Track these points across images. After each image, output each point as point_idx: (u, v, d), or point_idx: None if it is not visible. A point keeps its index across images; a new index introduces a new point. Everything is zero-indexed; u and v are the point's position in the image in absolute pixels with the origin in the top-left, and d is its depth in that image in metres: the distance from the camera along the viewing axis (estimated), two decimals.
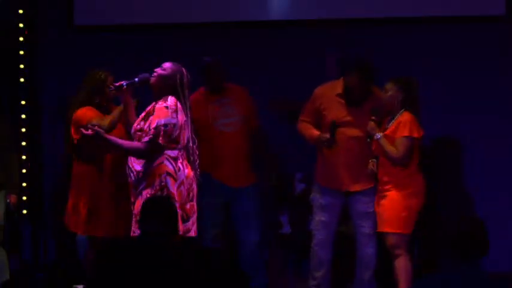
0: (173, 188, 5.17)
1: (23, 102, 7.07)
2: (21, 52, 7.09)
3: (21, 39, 7.10)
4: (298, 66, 6.71)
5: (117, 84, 5.37)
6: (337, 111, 5.89)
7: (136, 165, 5.23)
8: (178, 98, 5.26)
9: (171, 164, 5.19)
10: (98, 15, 7.16)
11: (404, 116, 5.67)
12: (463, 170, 6.73)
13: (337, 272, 6.18)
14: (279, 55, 6.81)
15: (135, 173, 5.22)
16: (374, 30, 6.81)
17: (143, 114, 5.30)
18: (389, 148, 5.64)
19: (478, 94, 6.68)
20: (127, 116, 5.45)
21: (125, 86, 5.35)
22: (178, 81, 5.28)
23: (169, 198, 4.87)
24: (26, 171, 7.02)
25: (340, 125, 5.84)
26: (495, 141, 6.63)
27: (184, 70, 5.33)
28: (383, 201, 5.70)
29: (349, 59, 6.00)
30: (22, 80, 7.08)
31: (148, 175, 5.17)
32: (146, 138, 5.15)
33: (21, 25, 7.11)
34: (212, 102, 6.21)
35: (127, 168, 5.29)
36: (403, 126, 5.64)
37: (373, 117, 5.76)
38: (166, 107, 5.19)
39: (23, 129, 7.05)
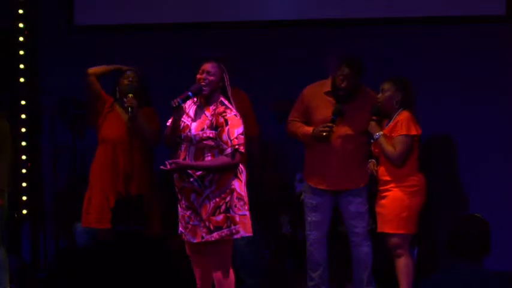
0: (241, 190, 5.20)
1: (23, 102, 7.06)
2: (21, 52, 7.09)
3: (21, 39, 7.10)
4: (298, 66, 6.71)
5: (175, 104, 5.21)
6: (325, 109, 5.88)
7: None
8: (227, 98, 5.28)
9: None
10: (98, 15, 7.16)
11: (402, 115, 5.68)
12: (462, 169, 6.73)
13: (336, 272, 6.18)
14: (280, 55, 6.81)
15: (196, 178, 5.17)
16: (374, 30, 6.81)
17: (207, 122, 5.19)
18: (388, 147, 5.65)
19: (477, 94, 6.68)
20: (178, 126, 5.31)
21: (182, 104, 5.23)
22: (226, 81, 5.29)
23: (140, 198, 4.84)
24: (26, 171, 7.02)
25: (345, 113, 5.83)
26: (495, 141, 6.63)
27: (224, 67, 5.33)
28: (384, 202, 5.70)
29: (340, 55, 6.01)
30: (22, 80, 7.08)
31: (216, 179, 5.16)
32: (229, 150, 5.13)
33: (21, 25, 7.11)
34: None
35: (183, 172, 5.22)
36: (400, 124, 5.65)
37: (374, 117, 5.76)
38: (236, 115, 5.21)
39: (23, 129, 7.04)
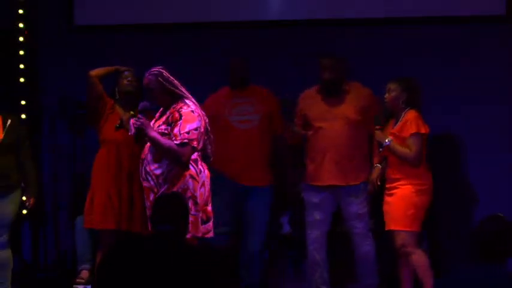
0: (195, 191, 5.21)
1: (23, 102, 7.07)
2: (21, 52, 7.10)
3: (21, 39, 7.10)
4: (298, 66, 6.71)
5: (131, 133, 5.38)
6: (317, 107, 5.94)
7: (156, 169, 5.25)
8: (179, 95, 5.30)
9: (193, 166, 5.25)
10: (98, 15, 7.17)
11: (410, 114, 5.69)
12: (463, 169, 6.73)
13: (337, 272, 6.18)
14: (280, 55, 6.82)
15: (154, 177, 5.25)
16: (374, 30, 6.81)
17: (163, 118, 5.31)
18: (403, 150, 5.63)
19: (477, 94, 6.68)
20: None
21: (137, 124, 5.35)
22: (164, 83, 5.32)
23: (180, 195, 4.85)
24: None
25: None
26: (495, 141, 6.63)
27: (157, 69, 5.37)
28: (391, 199, 5.69)
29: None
30: (22, 80, 7.08)
31: (170, 178, 5.21)
32: (178, 141, 5.18)
33: (21, 25, 7.11)
34: (231, 99, 6.21)
35: (143, 172, 5.34)
36: (409, 123, 5.65)
37: (377, 127, 5.75)
38: (192, 111, 5.25)
39: None
